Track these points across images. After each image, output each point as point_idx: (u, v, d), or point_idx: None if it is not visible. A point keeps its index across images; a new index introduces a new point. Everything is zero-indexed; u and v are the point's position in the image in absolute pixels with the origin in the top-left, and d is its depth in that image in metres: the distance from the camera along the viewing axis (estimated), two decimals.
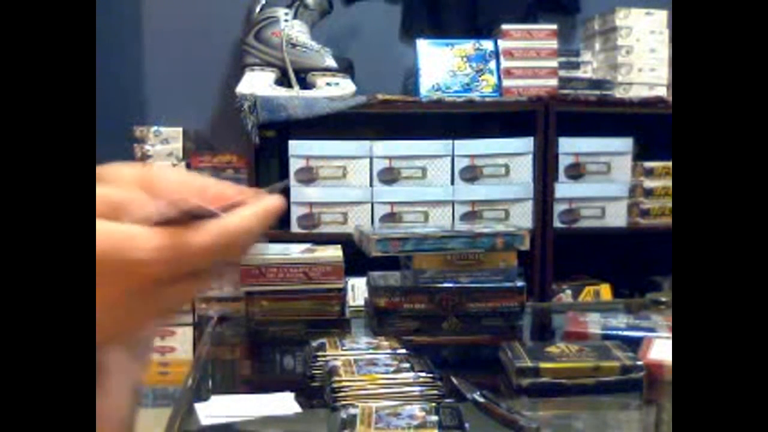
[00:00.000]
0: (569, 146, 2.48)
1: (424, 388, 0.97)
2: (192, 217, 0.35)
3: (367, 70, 2.60)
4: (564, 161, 2.48)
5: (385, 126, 2.59)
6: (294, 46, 2.44)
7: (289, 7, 2.48)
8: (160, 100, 2.74)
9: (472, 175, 2.39)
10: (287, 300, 1.37)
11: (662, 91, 2.63)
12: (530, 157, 2.42)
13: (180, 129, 2.57)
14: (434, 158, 2.37)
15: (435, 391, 0.97)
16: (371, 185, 2.36)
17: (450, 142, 2.38)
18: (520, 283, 1.34)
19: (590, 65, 2.69)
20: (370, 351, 1.10)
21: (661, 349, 1.06)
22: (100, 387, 0.38)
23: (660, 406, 0.95)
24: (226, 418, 0.97)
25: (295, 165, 2.34)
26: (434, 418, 0.86)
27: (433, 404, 0.91)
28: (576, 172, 2.51)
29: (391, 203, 2.36)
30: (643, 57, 2.63)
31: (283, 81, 2.45)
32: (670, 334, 1.17)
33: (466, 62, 2.52)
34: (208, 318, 1.49)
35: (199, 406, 0.99)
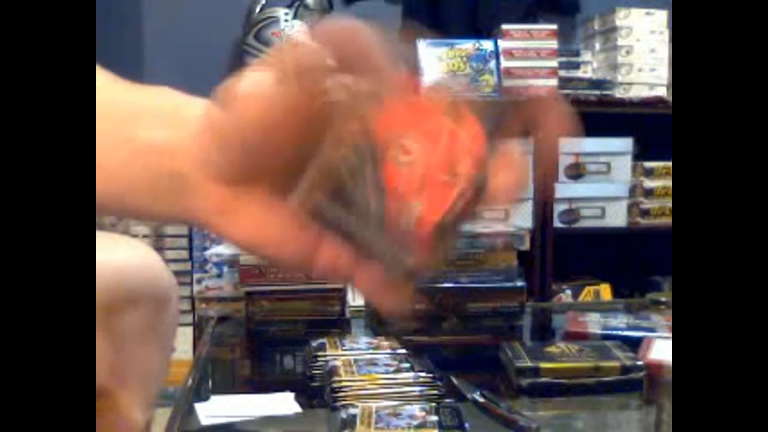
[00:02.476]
0: (569, 146, 2.48)
1: (424, 388, 0.97)
2: None
3: None
4: (564, 161, 2.48)
5: None
6: None
7: (289, 7, 2.48)
8: None
9: None
10: (287, 300, 1.37)
11: (662, 91, 2.63)
12: (530, 157, 2.42)
13: None
14: None
15: (435, 391, 0.97)
16: None
17: None
18: (520, 283, 1.35)
19: (590, 65, 2.69)
20: (370, 351, 1.10)
21: (661, 349, 1.06)
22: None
23: (660, 406, 0.95)
24: (226, 418, 0.97)
25: None
26: (434, 418, 0.86)
27: (433, 404, 0.91)
28: (576, 172, 2.51)
29: None
30: (643, 57, 2.63)
31: None
32: (670, 334, 1.17)
33: (466, 62, 2.52)
34: (208, 318, 1.49)
35: (199, 406, 0.99)
